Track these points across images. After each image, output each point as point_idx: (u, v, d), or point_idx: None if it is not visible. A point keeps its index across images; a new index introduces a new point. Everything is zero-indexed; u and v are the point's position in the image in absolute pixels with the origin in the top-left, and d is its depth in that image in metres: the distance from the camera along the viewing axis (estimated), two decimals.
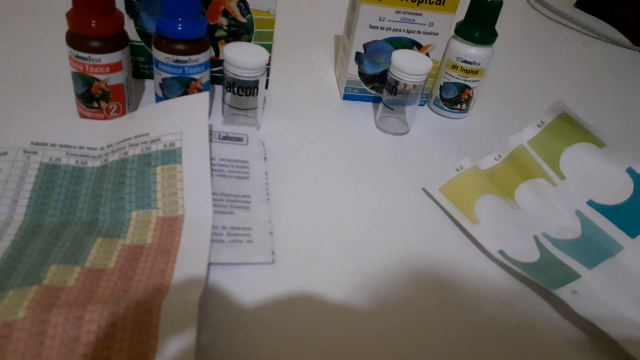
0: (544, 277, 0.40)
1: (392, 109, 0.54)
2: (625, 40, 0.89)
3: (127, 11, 0.49)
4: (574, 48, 0.85)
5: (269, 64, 0.54)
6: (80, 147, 0.42)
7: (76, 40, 0.42)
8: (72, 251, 0.34)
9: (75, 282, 0.32)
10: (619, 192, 0.46)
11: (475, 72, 0.55)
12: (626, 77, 0.78)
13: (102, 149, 0.42)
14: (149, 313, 0.29)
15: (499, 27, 0.77)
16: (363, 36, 0.53)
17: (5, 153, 0.40)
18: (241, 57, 0.45)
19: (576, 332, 0.38)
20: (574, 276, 0.41)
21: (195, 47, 0.44)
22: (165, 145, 0.40)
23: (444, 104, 0.58)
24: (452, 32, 0.55)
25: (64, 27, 0.61)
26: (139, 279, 0.33)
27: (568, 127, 0.49)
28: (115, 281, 0.33)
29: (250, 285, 0.36)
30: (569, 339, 0.37)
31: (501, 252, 0.42)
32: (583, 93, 0.71)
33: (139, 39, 0.51)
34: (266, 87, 0.57)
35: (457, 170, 0.47)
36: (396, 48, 0.54)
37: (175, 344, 0.28)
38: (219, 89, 0.55)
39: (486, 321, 0.37)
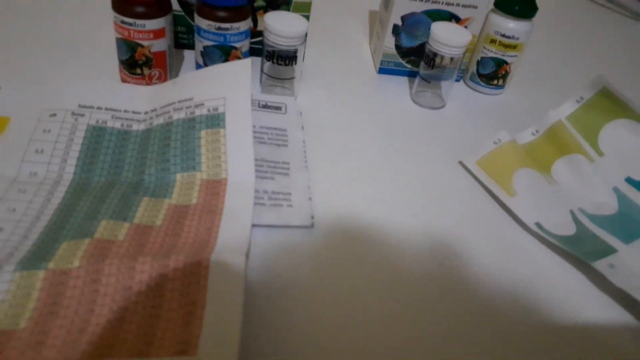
0: (581, 250, 0.40)
1: (429, 83, 0.54)
2: None
3: None
4: (614, 28, 0.83)
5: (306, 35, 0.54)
6: (125, 111, 0.43)
7: (122, 5, 0.43)
8: (120, 208, 0.36)
9: (124, 236, 0.33)
10: None
11: (514, 47, 0.55)
12: None
13: (146, 113, 0.43)
14: (197, 266, 0.30)
15: (539, 3, 0.76)
16: (401, 8, 0.53)
17: (55, 114, 0.41)
18: (282, 26, 0.45)
19: (612, 304, 0.38)
20: (610, 250, 0.41)
21: (237, 15, 0.45)
22: (209, 110, 0.41)
23: (481, 80, 0.58)
24: (492, 5, 0.55)
25: None
26: (186, 236, 0.34)
27: (607, 103, 0.48)
28: (163, 237, 0.34)
29: (290, 247, 0.37)
30: (605, 311, 0.37)
31: (538, 225, 0.42)
32: (621, 71, 0.70)
33: (180, 9, 0.52)
34: (302, 59, 0.58)
35: (494, 143, 0.47)
36: (434, 20, 0.54)
37: (224, 295, 0.29)
38: (255, 61, 0.56)
39: (523, 292, 0.37)
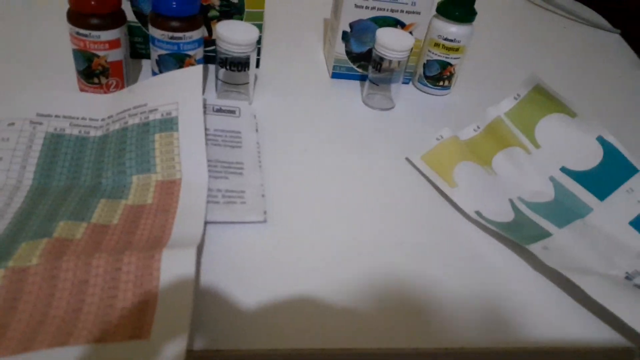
0: (518, 234, 0.43)
1: (378, 86, 0.56)
2: (605, 23, 0.92)
3: None
4: (555, 30, 0.88)
5: (259, 42, 0.57)
6: (83, 118, 0.45)
7: (77, 17, 0.45)
8: (78, 210, 0.37)
9: (82, 235, 0.35)
10: (590, 158, 0.49)
11: (457, 50, 0.58)
12: (603, 56, 0.81)
13: (103, 119, 0.45)
14: (151, 259, 0.32)
15: (482, 8, 0.80)
16: (349, 15, 0.56)
17: (13, 123, 0.42)
18: (233, 34, 0.48)
19: (545, 282, 0.41)
20: (545, 234, 0.45)
21: (189, 24, 0.47)
22: (162, 115, 0.43)
23: (427, 81, 0.61)
24: (434, 12, 0.58)
25: (64, 6, 0.64)
26: (141, 233, 0.36)
27: (542, 99, 0.52)
28: (119, 234, 0.35)
29: (244, 241, 0.39)
30: (537, 287, 0.40)
31: (477, 213, 0.45)
32: (561, 70, 0.74)
33: (136, 20, 0.54)
34: (257, 66, 0.60)
35: (437, 139, 0.50)
36: (381, 27, 0.57)
37: (176, 285, 0.31)
38: (212, 68, 0.58)
39: (463, 274, 0.40)
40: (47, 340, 0.28)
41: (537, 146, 0.51)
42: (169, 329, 0.29)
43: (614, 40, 0.88)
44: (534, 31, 0.86)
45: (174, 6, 0.46)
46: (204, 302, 0.34)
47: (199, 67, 0.44)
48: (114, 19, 0.46)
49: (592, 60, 0.79)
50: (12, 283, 0.31)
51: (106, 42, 0.46)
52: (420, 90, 0.62)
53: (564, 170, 0.50)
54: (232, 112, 0.49)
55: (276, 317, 0.34)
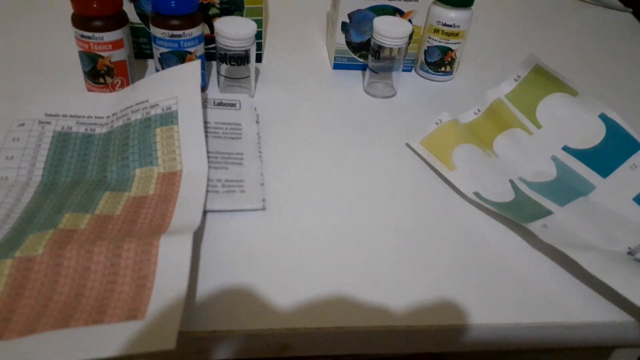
0: (517, 214, 0.43)
1: (378, 74, 0.57)
2: (616, 2, 0.91)
3: None
4: (564, 10, 0.86)
5: (259, 37, 0.58)
6: (89, 117, 0.46)
7: (80, 20, 0.47)
8: (83, 202, 0.39)
9: (86, 225, 0.37)
10: (592, 136, 0.49)
11: (456, 35, 0.58)
12: (614, 36, 0.80)
13: (108, 117, 0.46)
14: (149, 245, 0.34)
15: None
16: (347, 6, 0.57)
17: (23, 124, 0.45)
18: (231, 29, 0.49)
19: (544, 259, 0.41)
20: (546, 213, 0.44)
21: (189, 22, 0.49)
22: (162, 109, 0.44)
23: (429, 68, 0.61)
24: None
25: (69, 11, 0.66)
26: (142, 222, 0.37)
27: (542, 80, 0.51)
28: (121, 224, 0.37)
29: (243, 229, 0.40)
30: (535, 265, 0.40)
31: (476, 194, 0.45)
32: (569, 51, 0.73)
33: (140, 21, 0.56)
34: (260, 60, 0.61)
35: (436, 123, 0.50)
36: (379, 15, 0.57)
37: (172, 269, 0.33)
38: (214, 64, 0.59)
39: (459, 252, 0.40)
40: (50, 324, 0.30)
41: (538, 126, 0.51)
42: (163, 310, 0.30)
43: (625, 19, 0.86)
44: (541, 12, 0.85)
45: (173, 5, 0.47)
46: (203, 285, 0.35)
47: (197, 62, 0.46)
48: (116, 20, 0.47)
49: (602, 40, 0.78)
50: (19, 271, 0.33)
51: (109, 43, 0.48)
52: (423, 77, 0.63)
53: (566, 149, 0.49)
54: (233, 105, 0.50)
55: (271, 298, 0.35)
